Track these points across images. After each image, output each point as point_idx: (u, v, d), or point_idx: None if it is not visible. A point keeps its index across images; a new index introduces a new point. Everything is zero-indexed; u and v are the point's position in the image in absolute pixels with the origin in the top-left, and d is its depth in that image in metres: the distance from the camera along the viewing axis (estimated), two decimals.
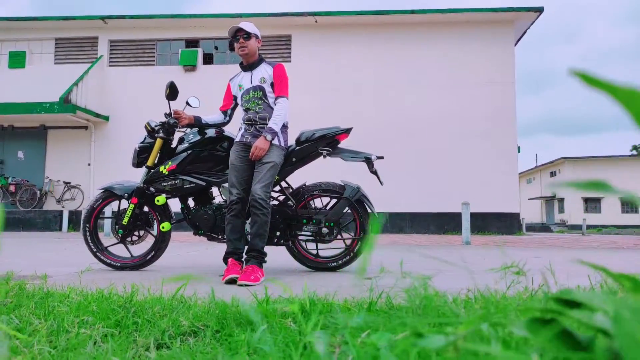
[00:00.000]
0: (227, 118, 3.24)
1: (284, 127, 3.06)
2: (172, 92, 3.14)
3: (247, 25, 2.99)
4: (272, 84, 3.00)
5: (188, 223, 3.23)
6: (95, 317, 1.20)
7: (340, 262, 3.21)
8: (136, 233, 3.30)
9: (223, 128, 3.28)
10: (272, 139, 2.88)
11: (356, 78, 12.23)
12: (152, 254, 3.25)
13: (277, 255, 3.77)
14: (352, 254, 3.20)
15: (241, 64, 3.11)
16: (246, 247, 2.88)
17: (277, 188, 3.21)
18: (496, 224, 11.51)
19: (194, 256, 4.40)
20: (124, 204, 3.31)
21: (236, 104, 3.21)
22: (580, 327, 0.38)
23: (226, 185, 3.15)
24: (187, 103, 3.23)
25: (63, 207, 12.12)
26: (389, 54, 12.30)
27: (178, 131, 3.33)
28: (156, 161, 3.24)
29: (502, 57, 12.00)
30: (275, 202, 3.23)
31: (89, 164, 12.70)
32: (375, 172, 3.17)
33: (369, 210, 3.21)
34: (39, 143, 12.97)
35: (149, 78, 12.69)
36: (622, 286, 0.40)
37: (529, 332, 0.37)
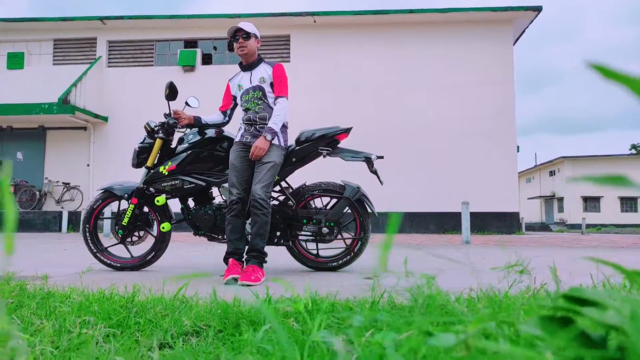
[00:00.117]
0: (227, 118, 3.24)
1: (284, 127, 3.06)
2: (171, 92, 3.13)
3: (247, 25, 2.99)
4: (271, 84, 2.99)
5: (188, 223, 3.23)
6: (97, 318, 1.19)
7: (340, 262, 3.21)
8: (136, 233, 3.30)
9: (223, 128, 3.28)
10: (272, 139, 2.88)
11: (355, 78, 12.24)
12: (152, 254, 3.25)
13: (277, 255, 3.77)
14: (352, 253, 3.20)
15: (240, 64, 3.11)
16: (246, 247, 2.87)
17: (277, 188, 3.20)
18: (496, 223, 11.51)
19: (194, 256, 4.40)
20: (124, 204, 3.30)
21: (235, 104, 3.21)
22: (591, 325, 0.37)
23: (226, 185, 3.15)
24: (187, 103, 3.23)
25: (62, 207, 12.10)
26: (388, 53, 12.30)
27: (178, 131, 3.32)
28: (156, 162, 3.23)
29: (501, 56, 12.01)
30: (276, 202, 3.23)
31: (88, 165, 12.68)
32: (375, 172, 3.17)
33: (369, 210, 3.21)
34: (38, 144, 12.96)
35: (148, 78, 12.68)
36: (634, 283, 0.39)
37: (542, 330, 0.37)
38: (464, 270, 2.99)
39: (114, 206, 3.43)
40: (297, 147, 3.13)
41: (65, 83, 12.25)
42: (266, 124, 2.94)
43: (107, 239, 6.29)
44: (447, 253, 4.87)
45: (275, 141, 2.95)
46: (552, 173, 35.61)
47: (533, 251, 5.20)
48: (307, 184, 3.27)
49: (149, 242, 3.34)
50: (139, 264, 3.23)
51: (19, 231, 11.30)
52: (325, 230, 3.12)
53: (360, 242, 3.21)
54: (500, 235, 10.74)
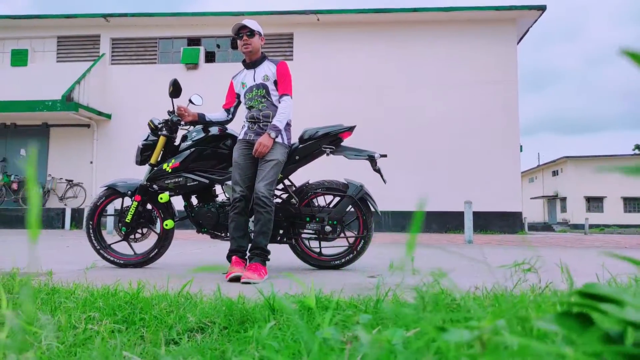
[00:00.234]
0: (230, 116, 3.24)
1: (287, 125, 3.06)
2: (175, 89, 3.14)
3: (251, 23, 2.99)
4: (275, 82, 2.99)
5: (191, 221, 3.23)
6: (102, 313, 1.20)
7: (343, 260, 3.21)
8: (139, 230, 3.31)
9: (226, 126, 3.28)
10: (276, 137, 2.88)
11: (358, 76, 12.22)
12: (155, 251, 3.26)
13: (280, 253, 3.77)
14: (355, 252, 3.20)
15: (244, 62, 3.10)
16: (249, 245, 2.88)
17: (281, 186, 3.20)
18: (498, 223, 11.49)
19: (197, 254, 4.40)
20: (127, 201, 3.31)
21: (239, 102, 3.21)
22: (607, 321, 0.37)
23: (229, 183, 3.15)
24: (190, 101, 3.24)
25: (65, 205, 12.14)
26: (391, 52, 12.28)
27: (181, 129, 3.33)
28: (159, 159, 3.24)
29: (505, 55, 11.97)
30: (279, 200, 3.23)
31: (91, 162, 12.71)
32: (378, 170, 3.17)
33: (372, 209, 3.21)
34: (42, 141, 12.99)
35: (151, 76, 12.69)
36: None
37: (560, 326, 0.36)
38: (468, 269, 2.99)
39: (117, 203, 3.44)
40: (301, 145, 3.13)
41: (68, 80, 12.28)
42: (269, 122, 2.94)
43: (110, 236, 6.31)
44: (450, 253, 4.87)
45: (279, 139, 2.95)
46: (555, 173, 35.51)
47: (536, 251, 5.19)
48: (310, 182, 3.27)
49: (152, 239, 3.34)
50: (142, 261, 3.24)
51: (22, 228, 11.34)
52: (328, 228, 3.13)
53: (363, 241, 3.21)
54: (502, 235, 10.72)
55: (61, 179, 12.57)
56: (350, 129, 3.17)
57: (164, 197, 3.17)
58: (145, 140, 3.29)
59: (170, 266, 3.26)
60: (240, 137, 3.05)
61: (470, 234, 7.12)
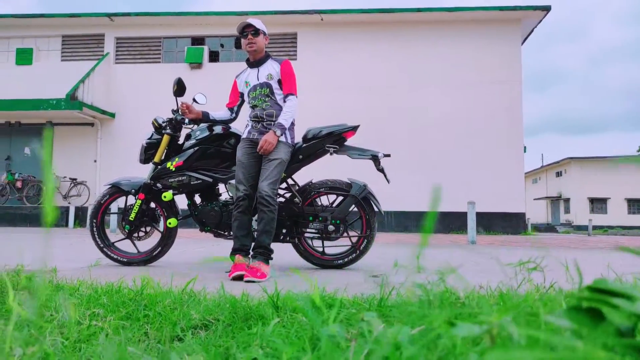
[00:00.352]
0: (234, 115, 3.24)
1: (291, 124, 3.06)
2: (179, 88, 3.14)
3: (256, 22, 2.99)
4: (279, 81, 2.99)
5: (194, 219, 3.24)
6: (106, 310, 1.20)
7: (346, 259, 3.21)
8: (143, 229, 3.32)
9: (230, 125, 3.29)
10: (281, 135, 2.88)
11: (362, 76, 12.21)
12: (158, 249, 3.26)
13: (283, 252, 3.77)
14: (358, 251, 3.20)
15: (247, 61, 3.10)
16: (253, 244, 2.88)
17: (284, 185, 3.21)
18: (501, 223, 11.45)
19: (200, 252, 4.41)
20: (131, 200, 3.32)
21: (242, 101, 3.21)
22: (617, 316, 0.37)
23: (233, 182, 3.16)
24: (194, 100, 3.25)
25: (69, 203, 12.18)
26: (395, 52, 12.26)
27: (185, 127, 3.33)
28: (163, 157, 3.24)
29: (509, 56, 11.93)
30: (282, 199, 3.23)
31: (95, 161, 12.76)
32: (382, 170, 3.16)
33: (376, 209, 3.21)
34: (46, 140, 13.04)
35: (155, 75, 12.72)
36: None
37: (571, 321, 0.36)
38: (471, 269, 2.98)
39: (120, 202, 3.45)
40: (304, 145, 3.13)
41: (73, 79, 12.32)
42: (273, 121, 2.95)
43: (113, 234, 6.33)
44: (453, 253, 4.86)
45: (283, 138, 2.95)
46: (558, 174, 35.38)
47: (540, 252, 5.18)
48: (313, 181, 3.27)
49: (155, 237, 3.35)
50: (146, 259, 3.24)
51: (26, 226, 11.39)
52: (331, 227, 3.12)
53: (366, 240, 3.20)
54: (506, 235, 10.69)
55: (65, 177, 12.61)
56: (354, 129, 3.17)
57: (167, 195, 3.17)
58: (149, 138, 3.29)
59: (173, 264, 3.27)
60: (244, 136, 3.05)
61: (473, 234, 7.10)
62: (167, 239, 3.27)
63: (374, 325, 0.50)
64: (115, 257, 3.23)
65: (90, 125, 12.84)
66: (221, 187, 3.38)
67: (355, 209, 3.23)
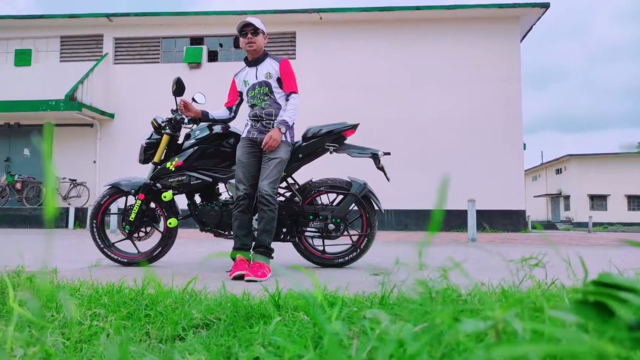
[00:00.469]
0: (233, 114, 3.24)
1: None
2: (178, 88, 3.14)
3: (255, 21, 2.99)
4: (278, 79, 2.99)
5: (195, 219, 3.24)
6: (107, 310, 1.20)
7: (346, 258, 3.21)
8: (143, 229, 3.31)
9: (229, 124, 3.28)
10: (285, 132, 2.88)
11: (361, 75, 12.20)
12: (158, 249, 3.26)
13: (283, 251, 3.77)
14: (358, 250, 3.20)
15: (246, 60, 3.10)
16: (253, 243, 2.88)
17: (284, 184, 3.20)
18: (502, 221, 11.46)
19: (200, 252, 4.41)
20: (131, 200, 3.32)
21: (241, 100, 3.20)
22: (623, 309, 0.37)
23: (233, 181, 3.15)
24: (193, 99, 3.24)
25: (69, 204, 12.18)
26: (394, 50, 12.25)
27: (184, 127, 3.33)
28: (163, 157, 3.24)
29: (508, 53, 11.92)
30: (282, 198, 3.22)
31: (94, 162, 12.75)
32: (382, 168, 3.16)
33: (376, 207, 3.21)
34: (39, 141, 13.03)
35: (154, 75, 12.72)
36: None
37: (578, 315, 0.36)
38: (472, 266, 2.98)
39: (120, 202, 3.44)
40: (304, 143, 3.12)
41: (72, 80, 12.31)
42: (272, 120, 2.95)
43: (113, 235, 6.32)
44: (453, 250, 4.86)
45: (282, 137, 2.94)
46: (558, 171, 35.39)
47: (541, 249, 5.17)
48: (313, 180, 3.27)
49: (155, 237, 3.35)
50: (146, 259, 3.24)
51: (26, 227, 11.39)
52: (331, 226, 3.12)
53: (366, 239, 3.20)
54: (506, 233, 10.69)
55: (64, 178, 12.60)
56: (354, 127, 3.17)
57: (167, 195, 3.17)
58: (149, 138, 3.29)
59: (173, 264, 3.27)
60: (244, 135, 3.05)
61: (473, 232, 7.11)
62: (168, 239, 3.26)
63: (381, 318, 0.49)
64: (115, 257, 3.23)
65: (89, 126, 12.83)
66: (221, 187, 3.37)
67: (356, 208, 3.22)
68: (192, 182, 3.15)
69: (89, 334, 1.01)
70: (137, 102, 12.55)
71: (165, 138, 3.20)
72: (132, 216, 3.20)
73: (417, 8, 11.93)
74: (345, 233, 3.19)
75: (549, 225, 25.66)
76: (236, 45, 12.84)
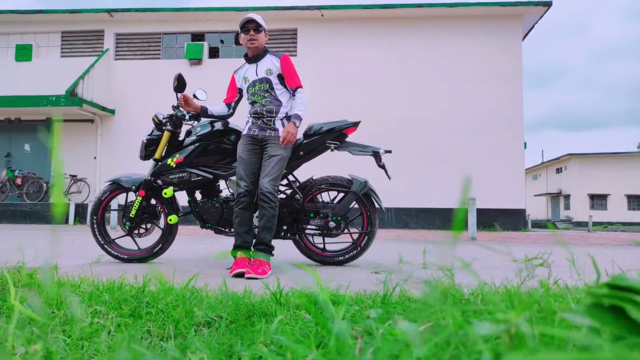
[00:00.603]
0: (231, 110, 3.23)
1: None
2: (180, 84, 3.12)
3: (258, 18, 2.98)
4: (279, 76, 2.98)
5: (195, 216, 3.23)
6: (108, 307, 1.19)
7: (347, 256, 3.20)
8: (143, 226, 3.31)
9: (229, 121, 3.27)
10: (299, 126, 2.89)
11: (362, 72, 12.18)
12: (159, 246, 3.25)
13: (283, 249, 3.76)
14: (359, 248, 3.19)
15: (245, 56, 3.09)
16: (254, 241, 2.87)
17: (285, 182, 3.20)
18: (502, 220, 11.45)
19: (201, 249, 4.41)
20: (132, 196, 3.31)
21: (240, 97, 3.19)
22: (633, 311, 0.36)
23: (233, 178, 3.14)
24: (195, 96, 3.23)
25: (69, 200, 12.17)
26: (395, 48, 12.22)
27: (185, 124, 3.32)
28: (164, 154, 3.23)
29: (510, 52, 11.89)
30: (283, 196, 3.22)
31: (95, 157, 12.74)
32: (383, 166, 3.16)
33: (377, 205, 3.20)
34: (45, 136, 13.02)
35: (155, 71, 12.69)
36: None
37: (592, 319, 0.35)
38: (474, 266, 2.97)
39: (121, 198, 3.44)
40: (305, 141, 3.12)
41: (72, 75, 12.29)
42: (273, 117, 2.94)
43: (114, 231, 6.32)
44: (456, 250, 4.84)
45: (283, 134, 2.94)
46: (559, 170, 35.37)
47: (541, 248, 5.16)
48: (314, 177, 3.26)
49: (156, 234, 3.34)
50: (147, 255, 3.24)
51: (26, 223, 11.39)
52: (332, 224, 3.12)
53: (367, 237, 3.20)
54: (506, 232, 10.69)
55: (65, 174, 12.59)
56: (355, 125, 3.16)
57: (168, 192, 3.16)
58: (150, 135, 3.28)
59: (174, 261, 3.26)
60: (245, 132, 3.04)
61: (473, 230, 7.10)
62: (168, 235, 3.26)
63: (398, 322, 0.49)
64: (115, 253, 3.23)
65: (90, 122, 12.82)
66: (222, 184, 3.37)
67: (356, 206, 3.22)
68: (192, 179, 3.15)
69: (89, 331, 1.00)
70: (138, 98, 12.53)
71: (166, 134, 3.19)
72: (133, 212, 3.19)
73: (419, 6, 11.89)
74: (346, 231, 3.19)
75: (549, 225, 25.62)
76: (237, 42, 12.82)
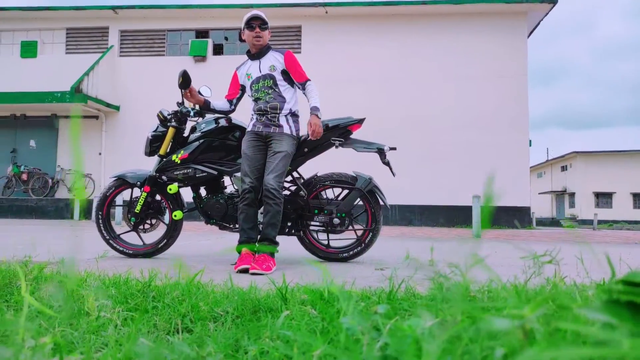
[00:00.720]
0: (232, 107, 3.23)
1: (296, 116, 3.05)
2: (184, 80, 3.12)
3: (264, 15, 2.98)
4: (283, 72, 2.97)
5: (200, 212, 3.24)
6: (114, 301, 1.20)
7: (351, 252, 3.20)
8: (148, 221, 3.32)
9: (234, 117, 3.28)
10: (321, 117, 2.91)
11: (367, 69, 12.15)
12: (164, 242, 3.27)
13: (288, 245, 3.77)
14: (363, 244, 3.19)
15: (248, 52, 3.09)
16: (258, 237, 2.88)
17: (289, 178, 3.20)
18: (506, 217, 11.42)
19: (205, 245, 4.42)
20: (137, 192, 3.32)
21: (242, 94, 3.19)
22: None
23: (238, 174, 3.15)
24: (199, 92, 3.23)
25: (74, 195, 12.24)
26: (400, 45, 12.18)
27: (190, 120, 3.32)
28: (168, 150, 3.24)
29: (515, 49, 11.83)
30: (287, 192, 3.22)
31: (100, 154, 12.79)
32: (387, 163, 3.15)
33: (381, 202, 3.20)
34: (51, 132, 13.09)
35: (160, 68, 12.71)
36: None
37: (610, 315, 0.35)
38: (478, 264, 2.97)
39: (126, 194, 3.45)
40: (310, 138, 3.11)
41: (77, 72, 12.33)
42: (277, 114, 2.94)
43: (119, 227, 6.35)
44: (457, 247, 4.84)
45: (288, 131, 2.94)
46: (564, 168, 35.21)
47: (546, 246, 5.15)
48: (318, 174, 3.26)
49: (161, 229, 3.36)
50: (151, 251, 3.25)
51: (32, 218, 11.46)
52: (336, 220, 3.12)
53: (371, 234, 3.20)
54: (511, 229, 10.66)
55: (70, 170, 12.66)
56: (360, 122, 3.16)
57: (172, 188, 3.17)
58: (155, 131, 3.29)
59: (179, 257, 3.27)
60: (249, 129, 3.04)
61: (478, 228, 7.09)
62: (173, 231, 3.27)
63: (424, 318, 0.48)
64: (121, 249, 3.24)
65: (95, 118, 12.87)
66: (226, 180, 3.37)
67: (361, 202, 3.22)
68: (197, 175, 3.15)
69: (96, 325, 1.01)
70: (143, 94, 12.56)
71: (171, 131, 3.20)
72: (138, 208, 3.20)
73: (424, 3, 11.84)
74: (350, 227, 3.19)
75: (553, 223, 25.54)
76: (242, 38, 12.81)
